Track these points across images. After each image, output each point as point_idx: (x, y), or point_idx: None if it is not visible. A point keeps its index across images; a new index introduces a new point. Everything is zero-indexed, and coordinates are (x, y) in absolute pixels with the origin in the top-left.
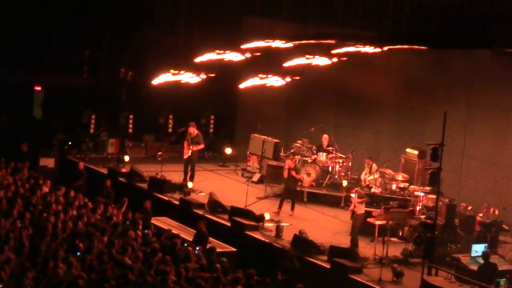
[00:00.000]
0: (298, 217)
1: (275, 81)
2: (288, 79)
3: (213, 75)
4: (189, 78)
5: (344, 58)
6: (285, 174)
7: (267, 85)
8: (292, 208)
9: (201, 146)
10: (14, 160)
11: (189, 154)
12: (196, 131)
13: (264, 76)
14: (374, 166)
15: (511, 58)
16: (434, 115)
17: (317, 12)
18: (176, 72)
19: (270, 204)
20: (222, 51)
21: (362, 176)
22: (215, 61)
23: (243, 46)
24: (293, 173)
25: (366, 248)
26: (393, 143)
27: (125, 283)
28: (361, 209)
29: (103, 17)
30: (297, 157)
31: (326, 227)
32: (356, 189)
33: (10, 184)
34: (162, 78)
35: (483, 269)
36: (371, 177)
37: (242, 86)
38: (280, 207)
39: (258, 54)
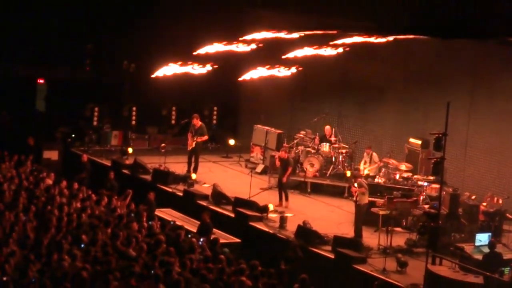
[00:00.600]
0: (301, 207)
1: (277, 72)
2: (292, 69)
3: (216, 66)
4: (192, 69)
5: (347, 49)
6: (277, 164)
7: (271, 75)
8: (286, 199)
9: (205, 138)
10: (19, 153)
11: (193, 145)
12: (200, 123)
13: (268, 66)
14: (375, 155)
15: None
16: (437, 104)
17: (319, 3)
18: (180, 63)
19: (273, 195)
20: (224, 43)
21: (361, 166)
22: (217, 52)
23: (246, 37)
24: (278, 163)
25: (370, 238)
26: (396, 133)
27: (130, 274)
28: (364, 199)
29: (104, 9)
30: (300, 148)
31: (330, 217)
32: (359, 179)
33: (14, 177)
34: (164, 71)
35: (488, 258)
36: (372, 166)
37: (243, 78)
38: (280, 199)
39: (261, 45)
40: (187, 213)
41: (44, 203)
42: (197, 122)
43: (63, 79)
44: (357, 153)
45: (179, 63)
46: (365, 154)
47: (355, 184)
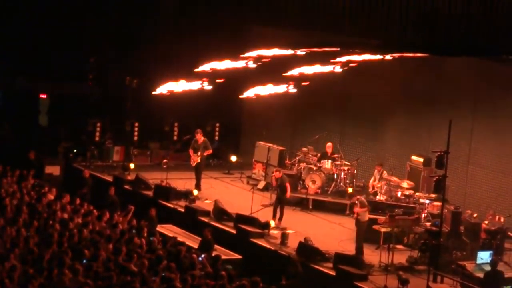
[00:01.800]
0: (303, 224)
1: (280, 89)
2: (294, 87)
3: (218, 82)
4: (194, 86)
5: (352, 64)
6: (274, 183)
7: (272, 93)
8: (280, 218)
9: (210, 151)
10: (21, 168)
11: (198, 160)
12: (203, 138)
13: (270, 83)
14: (385, 173)
15: None
16: (439, 122)
17: (322, 21)
18: (182, 80)
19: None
20: (226, 59)
21: (370, 183)
22: (219, 71)
23: (248, 54)
24: (274, 182)
25: (371, 255)
26: (398, 150)
27: None
28: (365, 216)
29: (107, 24)
30: (302, 165)
31: (331, 234)
32: (358, 197)
33: (15, 191)
34: (166, 88)
35: (490, 276)
36: (382, 184)
37: (245, 95)
38: (274, 216)
39: (264, 62)
40: (188, 229)
41: (46, 218)
42: (200, 138)
43: (65, 94)
44: (358, 171)
45: (184, 80)
46: (375, 171)
47: (357, 203)
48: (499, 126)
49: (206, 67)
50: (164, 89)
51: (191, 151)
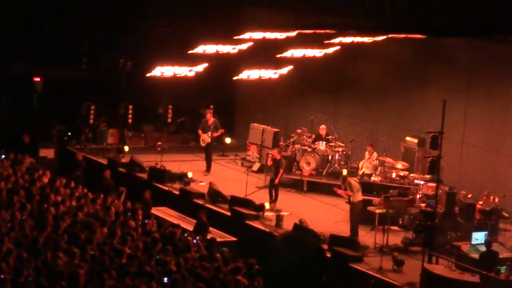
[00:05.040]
0: (298, 206)
1: (273, 70)
2: (288, 68)
3: (212, 65)
4: (187, 70)
5: (343, 47)
6: (269, 162)
7: (265, 77)
8: (275, 200)
9: (221, 131)
10: (15, 151)
11: (209, 141)
12: (213, 118)
13: (264, 65)
14: (375, 154)
15: (510, 46)
16: (433, 103)
17: (316, 2)
18: (175, 63)
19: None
20: (220, 41)
21: (361, 164)
22: (214, 52)
23: (242, 36)
24: (270, 162)
25: (366, 237)
26: (393, 131)
27: (125, 273)
28: (358, 196)
29: (101, 7)
30: (297, 146)
31: (326, 216)
32: (349, 178)
33: (10, 175)
34: (160, 70)
35: (485, 257)
36: (367, 164)
37: (239, 77)
38: (270, 198)
39: (257, 43)
40: (183, 212)
41: (40, 201)
42: (210, 118)
43: (59, 77)
44: (353, 152)
45: (175, 64)
46: (366, 152)
47: (345, 187)
48: (493, 106)
49: (200, 49)
50: (157, 71)
51: (200, 131)
